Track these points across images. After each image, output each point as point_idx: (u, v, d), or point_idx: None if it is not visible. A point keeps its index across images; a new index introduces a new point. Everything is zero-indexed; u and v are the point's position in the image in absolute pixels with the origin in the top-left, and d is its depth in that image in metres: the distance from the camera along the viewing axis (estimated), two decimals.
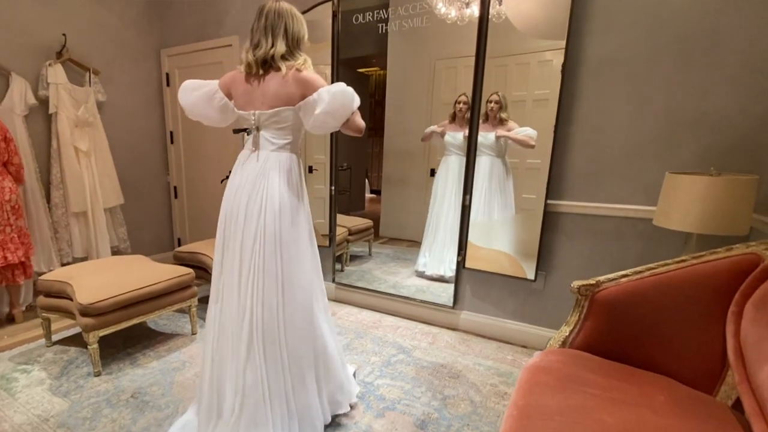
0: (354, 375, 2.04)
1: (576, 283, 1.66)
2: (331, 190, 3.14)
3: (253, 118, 1.65)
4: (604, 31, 2.13)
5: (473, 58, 2.45)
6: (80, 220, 3.22)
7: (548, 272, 2.46)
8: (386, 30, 2.90)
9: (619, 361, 1.51)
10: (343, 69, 2.99)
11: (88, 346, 2.14)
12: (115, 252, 3.54)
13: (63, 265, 3.13)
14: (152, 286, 2.33)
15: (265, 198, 1.59)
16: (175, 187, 4.07)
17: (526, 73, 2.36)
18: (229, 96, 1.72)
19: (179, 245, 4.10)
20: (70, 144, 3.06)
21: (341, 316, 2.96)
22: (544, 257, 2.44)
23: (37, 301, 2.41)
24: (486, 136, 2.55)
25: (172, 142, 3.96)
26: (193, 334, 2.65)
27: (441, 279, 3.07)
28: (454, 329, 2.77)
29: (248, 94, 1.66)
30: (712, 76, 1.94)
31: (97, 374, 2.18)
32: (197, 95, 1.74)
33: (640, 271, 1.58)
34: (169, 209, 4.14)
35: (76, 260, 3.22)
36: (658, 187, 1.90)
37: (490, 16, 2.36)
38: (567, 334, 1.66)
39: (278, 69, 1.58)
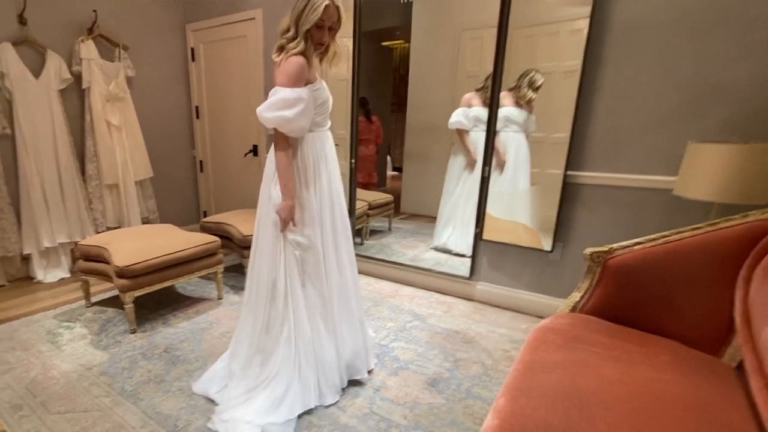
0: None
1: (588, 250, 1.67)
2: (351, 163, 3.18)
3: None
4: None
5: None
6: (113, 191, 3.39)
7: (566, 243, 2.47)
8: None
9: (628, 326, 1.53)
10: (365, 42, 2.95)
11: (125, 306, 2.30)
12: (145, 222, 3.71)
13: (97, 233, 3.32)
14: (181, 251, 2.46)
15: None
16: (200, 161, 4.20)
17: (555, 43, 2.28)
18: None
19: (204, 217, 4.25)
20: (102, 118, 3.20)
21: (361, 285, 3.04)
22: (562, 229, 2.44)
23: (77, 264, 2.59)
24: (515, 112, 2.51)
25: (197, 117, 4.07)
26: (219, 299, 2.80)
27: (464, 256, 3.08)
28: (469, 299, 2.82)
29: None
30: (739, 42, 1.86)
31: (133, 331, 2.35)
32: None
33: (654, 239, 1.58)
34: (195, 183, 4.29)
35: (109, 229, 3.40)
36: (680, 158, 1.87)
37: None
38: (578, 299, 1.70)
39: (278, 52, 1.59)
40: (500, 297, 2.73)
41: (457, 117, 3.03)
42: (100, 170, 3.28)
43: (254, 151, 3.72)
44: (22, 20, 2.85)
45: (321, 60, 1.70)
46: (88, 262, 2.52)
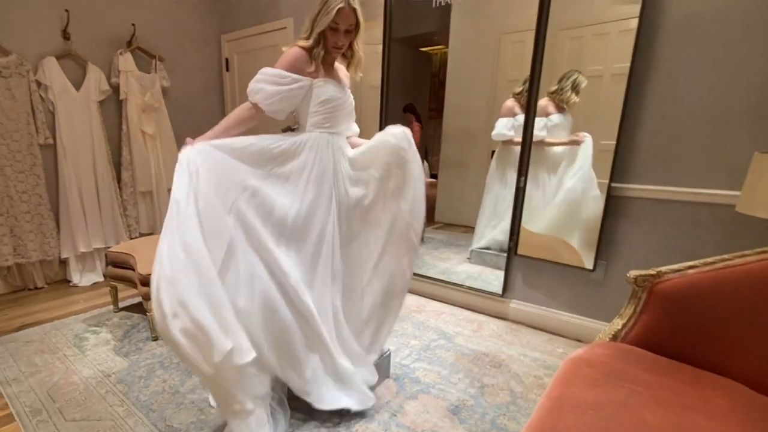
0: (389, 356, 1.99)
1: (633, 273, 1.49)
2: None
3: (294, 114, 1.72)
4: None
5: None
6: (146, 198, 3.47)
7: (609, 262, 2.24)
8: (447, 2, 2.73)
9: (678, 361, 1.33)
10: (402, 47, 2.86)
11: (147, 313, 2.30)
12: None
13: (131, 239, 3.40)
14: None
15: None
16: None
17: (604, 44, 2.11)
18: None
19: None
20: (137, 128, 3.29)
21: None
22: (605, 245, 2.22)
23: (106, 270, 2.63)
24: (563, 119, 2.33)
25: None
26: None
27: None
28: (502, 318, 2.63)
29: None
30: None
31: (155, 339, 2.34)
32: None
33: (711, 263, 1.38)
34: None
35: (142, 235, 3.48)
36: (744, 170, 1.62)
37: None
38: (619, 327, 1.51)
39: None
40: (535, 317, 2.52)
41: (500, 128, 2.86)
42: (135, 178, 3.37)
43: None
44: (65, 35, 2.98)
45: (348, 66, 1.67)
46: (115, 269, 2.55)
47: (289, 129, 1.75)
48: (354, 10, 1.49)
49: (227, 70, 3.98)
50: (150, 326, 2.33)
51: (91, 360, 2.15)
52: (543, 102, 2.35)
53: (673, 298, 1.44)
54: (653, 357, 1.32)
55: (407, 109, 3.69)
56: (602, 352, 1.35)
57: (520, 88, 2.69)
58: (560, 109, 2.35)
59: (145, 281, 2.25)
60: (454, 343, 2.31)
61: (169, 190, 3.52)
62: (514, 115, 2.79)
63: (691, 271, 1.45)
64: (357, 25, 1.54)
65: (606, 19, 2.08)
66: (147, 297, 2.26)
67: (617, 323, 1.52)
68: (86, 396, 1.86)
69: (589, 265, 2.24)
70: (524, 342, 2.33)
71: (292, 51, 1.55)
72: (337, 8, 1.45)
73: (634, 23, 1.95)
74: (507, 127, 2.81)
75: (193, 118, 3.88)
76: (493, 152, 3.01)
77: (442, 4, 2.69)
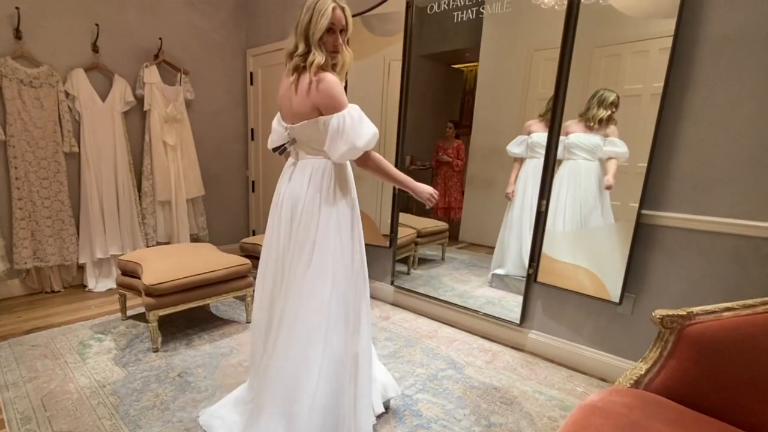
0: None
1: (659, 313, 1.32)
2: (394, 188, 3.00)
3: (287, 131, 1.59)
4: (731, 1, 1.70)
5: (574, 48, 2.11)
6: (165, 208, 3.50)
7: (638, 295, 2.04)
8: (477, 18, 2.64)
9: (708, 415, 1.15)
10: (432, 64, 2.77)
11: (149, 324, 2.26)
12: (194, 239, 3.79)
13: (148, 247, 3.42)
14: (209, 273, 2.40)
15: None
16: (253, 182, 4.26)
17: (643, 62, 1.97)
18: None
19: (254, 235, 4.28)
20: (159, 138, 3.34)
21: (395, 321, 2.80)
22: (633, 277, 2.03)
23: (116, 278, 2.63)
24: (584, 138, 2.19)
25: (252, 139, 4.16)
26: (248, 322, 2.69)
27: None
28: (518, 349, 2.45)
29: (284, 104, 1.58)
30: None
31: (155, 350, 2.29)
32: (275, 121, 1.68)
33: (752, 305, 1.20)
34: (246, 202, 4.36)
35: (159, 244, 3.50)
36: None
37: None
38: (642, 372, 1.34)
39: (294, 73, 1.47)
40: (555, 350, 2.33)
41: (511, 145, 2.78)
42: (155, 187, 3.40)
43: None
44: (95, 48, 3.08)
45: (335, 68, 1.53)
46: (124, 277, 2.54)
47: (278, 149, 1.66)
48: (343, 8, 1.44)
49: (251, 84, 4.03)
50: (151, 337, 2.28)
51: (90, 368, 2.12)
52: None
53: (706, 344, 1.26)
54: (679, 409, 1.15)
55: (453, 123, 3.69)
56: (620, 401, 1.19)
57: (544, 109, 2.59)
58: (589, 128, 2.20)
59: (149, 292, 2.22)
60: (463, 374, 2.15)
61: (188, 200, 3.58)
62: (528, 133, 2.68)
63: (727, 314, 1.28)
64: (348, 24, 1.47)
65: (645, 36, 1.95)
66: (150, 307, 2.23)
67: (640, 368, 1.35)
68: (78, 406, 1.82)
69: (616, 298, 2.05)
70: (541, 377, 2.14)
71: (334, 80, 1.44)
72: (331, 7, 1.39)
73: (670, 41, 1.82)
74: (515, 144, 2.74)
75: (216, 130, 3.93)
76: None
77: (471, 17, 2.60)
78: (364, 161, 1.49)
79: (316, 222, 1.53)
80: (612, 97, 2.06)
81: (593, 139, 2.18)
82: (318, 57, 1.41)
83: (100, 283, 3.27)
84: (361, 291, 1.65)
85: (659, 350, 1.32)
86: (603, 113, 2.10)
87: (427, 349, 2.41)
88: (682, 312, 1.30)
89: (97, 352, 2.28)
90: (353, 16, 1.56)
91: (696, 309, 1.30)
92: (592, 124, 2.16)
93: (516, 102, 3.00)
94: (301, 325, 1.51)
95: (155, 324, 2.26)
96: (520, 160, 2.81)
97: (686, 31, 1.79)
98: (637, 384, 1.31)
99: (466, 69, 3.81)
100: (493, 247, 3.11)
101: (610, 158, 2.12)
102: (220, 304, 2.96)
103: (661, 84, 1.87)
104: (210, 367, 2.15)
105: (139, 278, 2.36)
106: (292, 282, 1.55)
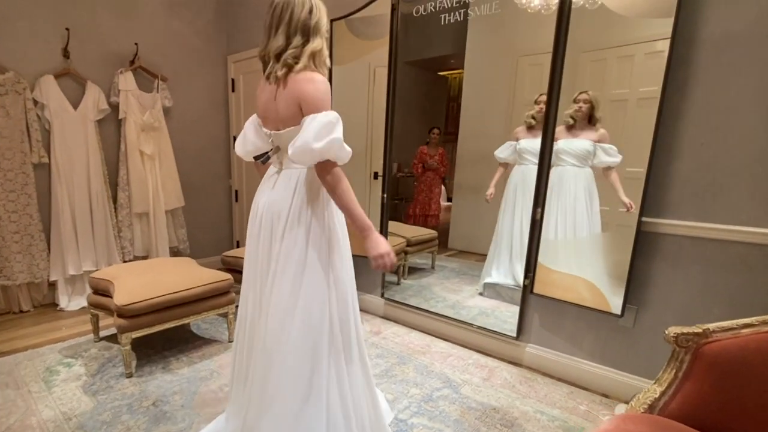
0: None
1: (673, 330, 1.22)
2: (383, 198, 2.88)
3: (270, 138, 1.46)
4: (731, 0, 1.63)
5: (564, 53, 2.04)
6: (142, 220, 3.33)
7: (640, 307, 1.95)
8: (462, 24, 2.58)
9: None
10: (418, 70, 2.73)
11: (121, 347, 2.10)
12: (175, 252, 3.62)
13: (125, 262, 3.25)
14: (187, 290, 2.24)
15: None
16: (236, 191, 4.11)
17: (629, 67, 1.93)
18: None
19: (238, 247, 4.12)
20: (135, 147, 3.18)
21: (386, 336, 2.67)
22: (635, 288, 1.94)
23: (87, 297, 2.46)
24: (571, 144, 2.12)
25: (234, 147, 4.00)
26: (230, 341, 2.54)
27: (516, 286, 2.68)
28: (515, 364, 2.34)
29: (267, 109, 1.45)
30: None
31: (129, 376, 2.13)
32: (250, 127, 1.56)
33: None
34: (229, 212, 4.20)
35: (137, 258, 3.33)
36: None
37: (575, 3, 1.97)
38: (657, 395, 1.23)
39: (289, 76, 1.34)
40: (554, 365, 2.23)
41: (498, 150, 2.75)
42: (131, 199, 3.24)
43: None
44: (65, 53, 2.92)
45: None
46: (96, 296, 2.38)
47: (260, 157, 1.53)
48: None
49: (233, 90, 3.90)
50: (124, 362, 2.12)
51: (56, 398, 1.94)
52: (519, 128, 2.40)
53: (724, 364, 1.17)
54: None
55: (438, 129, 3.65)
56: (635, 430, 1.08)
57: (530, 117, 2.57)
58: (575, 134, 2.12)
59: (121, 312, 2.06)
60: (460, 393, 2.03)
61: (167, 212, 3.42)
62: (516, 139, 2.64)
63: (746, 330, 1.19)
64: None
65: (631, 41, 1.90)
66: (122, 329, 2.07)
67: (654, 390, 1.24)
68: None
69: (617, 309, 1.96)
70: (541, 395, 2.03)
71: (326, 82, 1.34)
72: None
73: (661, 45, 1.77)
74: (502, 149, 2.72)
75: (196, 139, 3.78)
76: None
77: (458, 20, 2.53)
78: (323, 171, 1.32)
79: (303, 236, 1.41)
80: (582, 95, 2.02)
81: (582, 144, 2.11)
82: (318, 42, 1.36)
83: (73, 301, 3.08)
84: (352, 310, 1.53)
85: (674, 371, 1.22)
86: (572, 108, 2.05)
87: (421, 366, 2.28)
88: (697, 329, 1.20)
89: (64, 379, 2.10)
90: (337, 19, 1.46)
91: (712, 326, 1.20)
92: (572, 123, 2.09)
93: (502, 108, 2.97)
94: (287, 350, 1.38)
95: (128, 347, 2.10)
96: (505, 165, 2.79)
97: (684, 30, 1.71)
98: (651, 408, 1.21)
99: (450, 76, 3.78)
100: (483, 255, 3.06)
101: (608, 168, 2.03)
102: (201, 322, 2.80)
103: (648, 88, 1.83)
104: (188, 394, 2.00)
105: (111, 297, 2.20)
106: (277, 301, 1.42)
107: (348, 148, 1.34)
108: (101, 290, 2.33)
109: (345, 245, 1.53)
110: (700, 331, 1.19)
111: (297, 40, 1.34)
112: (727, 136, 1.69)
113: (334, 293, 1.45)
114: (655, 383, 1.25)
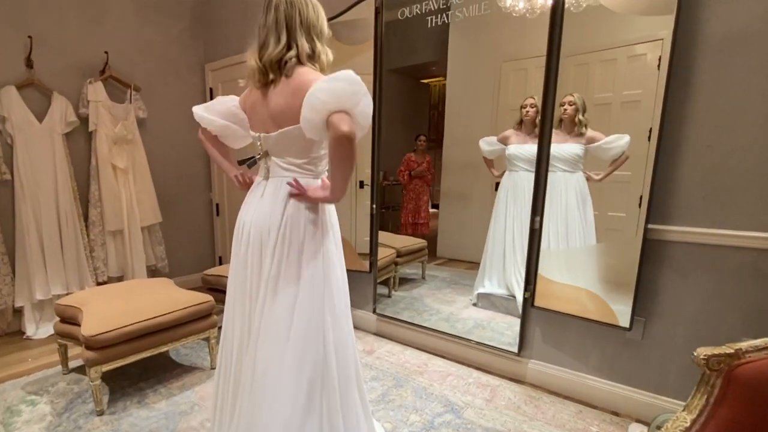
0: None
1: (703, 352, 1.10)
2: (372, 208, 2.75)
3: (259, 142, 1.34)
4: None
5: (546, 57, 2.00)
6: (116, 238, 3.13)
7: (649, 318, 1.85)
8: (443, 26, 2.52)
9: None
10: (400, 78, 2.68)
11: (91, 382, 1.90)
12: (153, 271, 3.42)
13: (98, 284, 3.05)
14: (164, 315, 2.07)
15: None
16: (217, 205, 3.93)
17: (612, 71, 1.91)
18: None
19: (220, 264, 3.93)
20: (107, 161, 2.99)
21: (380, 355, 2.52)
22: (643, 299, 1.84)
23: (54, 325, 2.25)
24: (559, 148, 2.04)
25: None
26: (212, 368, 2.36)
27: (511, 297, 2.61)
28: (518, 382, 2.21)
29: (256, 110, 1.34)
30: None
31: (100, 413, 1.93)
32: (225, 108, 1.45)
33: None
34: (210, 227, 4.01)
35: (111, 279, 3.13)
36: None
37: (567, 5, 1.89)
38: (688, 424, 1.12)
39: (290, 75, 1.24)
40: (559, 381, 2.11)
41: (483, 143, 2.73)
42: (104, 216, 3.04)
43: None
44: (29, 63, 2.72)
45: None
46: (64, 324, 2.18)
47: (246, 161, 1.40)
48: None
49: (211, 99, 3.72)
50: (95, 398, 1.92)
51: None
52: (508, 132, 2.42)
53: (761, 388, 1.05)
54: None
55: (423, 136, 3.58)
56: None
57: (519, 119, 2.54)
58: (564, 137, 2.06)
59: (90, 344, 1.87)
60: (463, 418, 1.89)
61: (143, 228, 3.22)
62: (506, 143, 2.60)
63: None
64: None
65: (612, 44, 1.88)
66: (91, 363, 1.88)
67: (684, 419, 1.12)
68: None
69: (625, 322, 1.85)
70: (549, 416, 1.91)
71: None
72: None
73: (643, 49, 1.77)
74: (487, 143, 2.70)
75: (174, 151, 3.60)
76: (498, 183, 2.78)
77: (441, 25, 2.45)
78: (340, 136, 1.09)
79: (296, 254, 1.27)
80: (567, 98, 1.97)
81: (571, 148, 2.04)
82: (326, 51, 1.31)
83: (42, 328, 2.86)
84: (348, 334, 1.39)
85: (705, 397, 1.11)
86: (558, 111, 2.00)
87: (419, 388, 2.14)
88: (728, 350, 1.09)
89: (27, 421, 1.90)
90: None
91: (744, 345, 1.09)
92: (559, 127, 2.03)
93: (486, 114, 2.95)
94: (279, 386, 1.23)
95: (98, 382, 1.91)
96: (490, 163, 2.77)
97: (687, 27, 1.64)
98: None
99: (432, 84, 3.74)
100: (472, 262, 3.00)
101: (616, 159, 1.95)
102: (182, 347, 2.61)
103: (633, 92, 1.82)
104: None
105: (80, 325, 2.01)
106: (267, 329, 1.27)
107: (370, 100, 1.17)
108: (69, 318, 2.14)
109: (340, 261, 1.40)
110: (732, 351, 1.08)
111: (306, 47, 1.25)
112: (735, 137, 1.61)
113: (329, 318, 1.31)
114: (684, 410, 1.14)
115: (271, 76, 1.26)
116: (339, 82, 1.12)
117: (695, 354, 1.12)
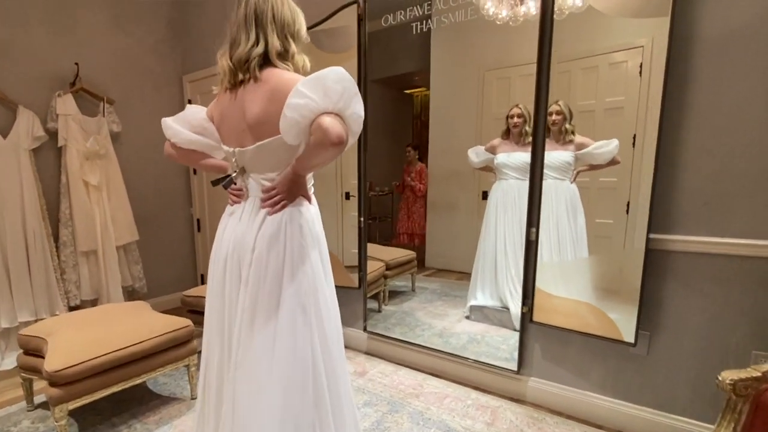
0: None
1: (728, 376, 1.02)
2: (359, 221, 2.64)
3: (234, 157, 1.21)
4: None
5: (531, 66, 1.97)
6: (90, 259, 2.94)
7: (654, 332, 1.77)
8: (425, 37, 2.48)
9: None
10: (383, 88, 2.63)
11: (56, 422, 1.73)
12: (130, 292, 3.24)
13: (70, 308, 2.86)
14: (137, 344, 1.91)
15: None
16: (198, 220, 3.77)
17: (594, 78, 1.89)
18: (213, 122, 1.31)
19: (203, 282, 3.77)
20: (79, 178, 2.82)
21: (372, 376, 2.39)
22: (647, 312, 1.76)
23: (17, 358, 2.07)
24: (550, 156, 1.98)
25: (195, 173, 3.69)
26: (193, 398, 2.20)
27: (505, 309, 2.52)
28: (518, 401, 2.11)
29: (226, 120, 1.21)
30: None
31: None
32: (198, 121, 1.33)
33: None
34: (191, 244, 3.84)
35: (84, 303, 2.94)
36: None
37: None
38: None
39: (258, 77, 1.12)
40: (562, 400, 2.01)
41: (471, 152, 2.68)
42: (76, 235, 2.86)
43: None
44: None
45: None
46: (27, 356, 2.00)
47: (221, 180, 1.28)
48: None
49: None
50: None
51: None
52: (495, 141, 2.40)
53: None
54: None
55: (411, 146, 3.50)
56: None
57: (505, 127, 2.49)
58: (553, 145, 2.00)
59: (54, 380, 1.70)
60: None
61: (119, 247, 3.05)
62: (494, 152, 2.55)
63: None
64: None
65: (593, 52, 1.87)
66: (55, 401, 1.71)
67: None
68: None
69: (629, 337, 1.77)
70: None
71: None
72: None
73: (623, 56, 1.77)
74: (474, 153, 2.66)
75: (151, 166, 3.44)
76: (485, 192, 2.74)
77: (423, 34, 2.40)
78: (324, 136, 0.98)
79: (276, 277, 1.15)
80: (554, 106, 1.94)
81: (561, 155, 1.98)
82: (307, 60, 1.21)
83: (8, 358, 2.65)
84: (339, 360, 1.27)
85: (732, 424, 1.02)
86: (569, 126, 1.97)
87: (416, 413, 2.02)
88: (755, 373, 1.00)
89: None
90: None
91: None
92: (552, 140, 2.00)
93: (471, 123, 2.93)
94: (263, 425, 1.11)
95: (64, 422, 1.73)
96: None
97: (681, 29, 1.58)
98: None
99: (415, 94, 3.76)
100: (462, 272, 2.95)
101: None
102: (161, 375, 2.44)
103: (616, 98, 1.80)
104: None
105: (45, 358, 1.84)
106: (245, 357, 1.15)
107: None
108: (33, 350, 1.96)
109: (328, 280, 1.29)
110: (759, 374, 1.00)
111: (277, 44, 1.13)
112: (736, 140, 1.55)
113: (318, 345, 1.19)
114: None
115: (240, 77, 1.15)
116: (329, 78, 1.00)
117: (720, 379, 1.03)
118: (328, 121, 0.97)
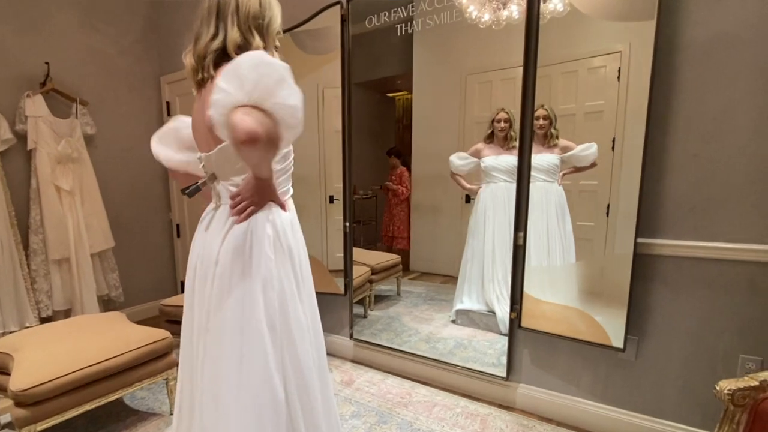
0: None
1: (726, 386, 1.00)
2: (345, 226, 2.59)
3: (201, 162, 1.14)
4: (716, 1, 1.51)
5: (512, 69, 2.00)
6: (62, 267, 2.81)
7: (642, 337, 1.76)
8: (407, 40, 2.47)
9: None
10: (366, 92, 2.60)
11: None
12: (106, 301, 3.12)
13: (42, 320, 2.73)
14: (112, 359, 1.81)
15: None
16: (177, 225, 3.66)
17: (573, 83, 1.92)
18: None
19: (182, 290, 3.65)
20: (50, 183, 2.70)
21: (360, 385, 2.34)
22: (635, 317, 1.75)
23: None
24: (538, 158, 1.98)
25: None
26: (171, 414, 2.10)
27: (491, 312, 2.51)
28: (508, 408, 2.08)
29: (195, 124, 1.15)
30: None
31: None
32: (187, 136, 1.26)
33: None
34: (171, 249, 3.72)
35: (57, 313, 2.81)
36: None
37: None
38: None
39: (214, 75, 1.03)
40: (550, 406, 1.99)
41: (454, 158, 2.67)
42: (47, 243, 2.73)
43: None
44: None
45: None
46: None
47: (195, 187, 1.21)
48: None
49: (168, 114, 3.49)
50: None
51: None
52: (479, 145, 2.40)
53: None
54: None
55: (391, 152, 3.46)
56: None
57: (489, 131, 2.49)
58: (543, 147, 2.01)
59: (20, 400, 1.60)
60: None
61: (93, 255, 2.92)
62: (479, 156, 2.54)
63: None
64: None
65: (572, 57, 1.89)
66: (22, 423, 1.61)
67: None
68: None
69: (618, 342, 1.75)
70: None
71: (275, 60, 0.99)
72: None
73: (601, 61, 1.79)
74: (458, 158, 2.64)
75: (128, 170, 3.32)
76: (468, 196, 2.77)
77: (406, 37, 2.37)
78: (240, 142, 0.88)
79: (242, 297, 1.08)
80: (539, 111, 1.94)
81: (548, 158, 1.98)
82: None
83: None
84: (317, 386, 1.21)
85: None
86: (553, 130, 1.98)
87: (405, 423, 1.97)
88: (753, 382, 0.99)
89: None
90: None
91: None
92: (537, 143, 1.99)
93: (454, 127, 2.93)
94: None
95: None
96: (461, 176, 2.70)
97: (667, 33, 1.58)
98: None
99: (397, 98, 3.76)
100: (446, 276, 2.94)
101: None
102: (140, 389, 2.33)
103: (596, 103, 1.83)
104: None
105: (9, 375, 1.73)
106: (212, 382, 1.08)
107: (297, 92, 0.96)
108: None
109: (307, 292, 1.22)
110: (757, 384, 0.98)
111: (236, 36, 1.04)
112: (721, 145, 1.55)
113: (290, 369, 1.12)
114: None
115: (200, 75, 1.08)
116: (242, 66, 0.90)
117: (717, 389, 1.01)
118: (236, 117, 0.86)
